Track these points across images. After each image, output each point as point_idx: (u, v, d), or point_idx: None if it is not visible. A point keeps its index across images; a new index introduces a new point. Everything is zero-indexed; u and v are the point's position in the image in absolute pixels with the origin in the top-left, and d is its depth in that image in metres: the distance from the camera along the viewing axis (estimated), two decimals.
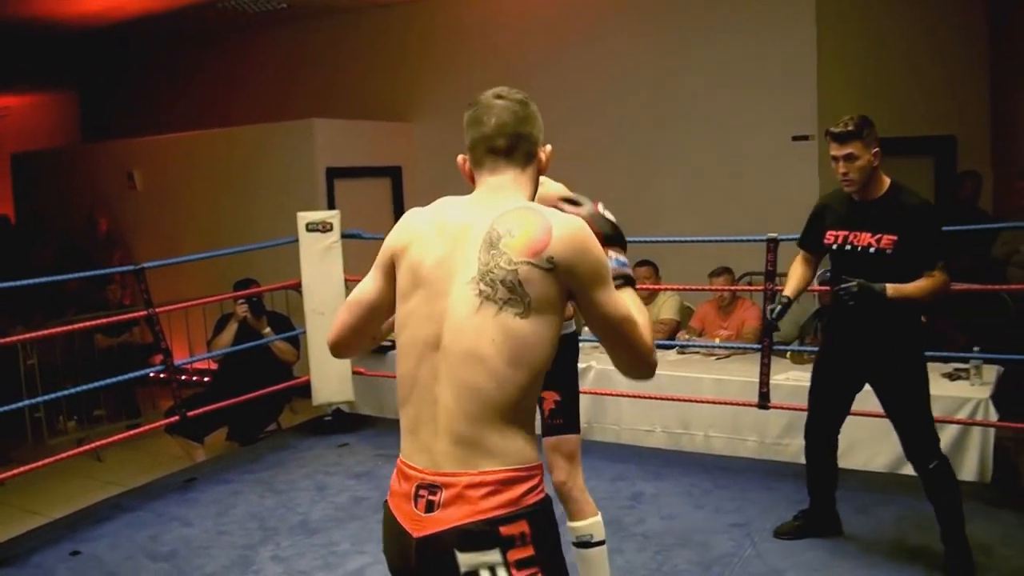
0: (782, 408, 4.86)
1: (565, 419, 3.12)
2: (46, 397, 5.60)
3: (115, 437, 5.44)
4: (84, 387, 5.62)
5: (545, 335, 1.79)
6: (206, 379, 7.16)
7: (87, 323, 6.12)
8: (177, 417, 5.31)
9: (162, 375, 5.40)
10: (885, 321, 3.45)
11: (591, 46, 7.73)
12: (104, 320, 6.16)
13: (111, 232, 9.40)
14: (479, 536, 1.71)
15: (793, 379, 5.04)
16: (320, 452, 5.61)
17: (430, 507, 1.75)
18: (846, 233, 3.54)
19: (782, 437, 5.02)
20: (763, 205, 6.80)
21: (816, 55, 6.74)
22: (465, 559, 1.71)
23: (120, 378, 5.72)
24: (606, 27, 7.66)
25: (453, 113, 9.17)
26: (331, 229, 5.82)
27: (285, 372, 6.27)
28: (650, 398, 5.23)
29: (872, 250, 3.44)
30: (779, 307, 3.75)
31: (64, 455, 5.08)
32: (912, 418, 3.53)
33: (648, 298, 6.15)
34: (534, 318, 1.76)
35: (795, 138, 6.83)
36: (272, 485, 5.02)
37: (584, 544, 3.05)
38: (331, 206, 7.38)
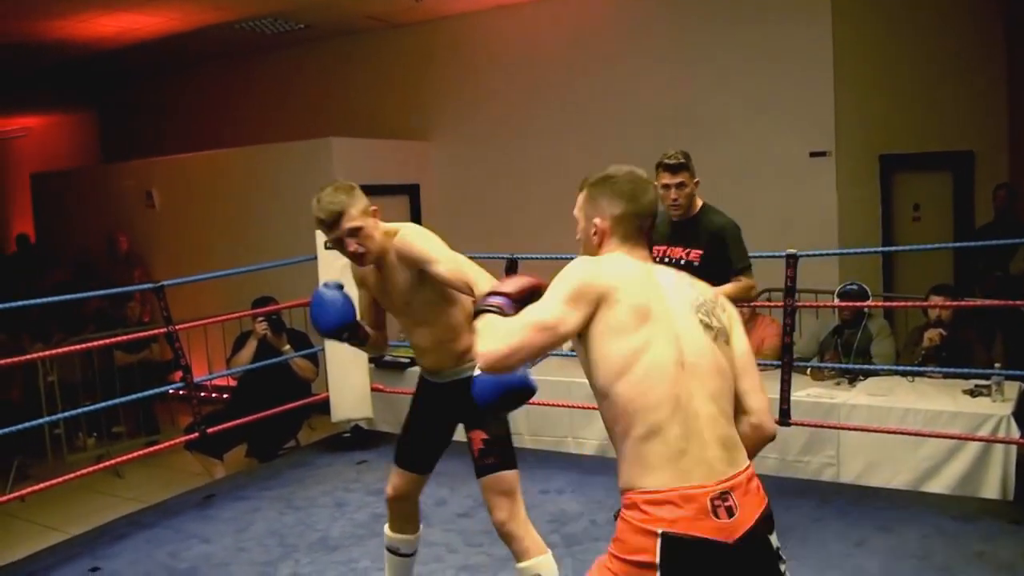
0: (803, 425, 4.83)
1: (497, 456, 3.06)
2: (66, 414, 5.62)
3: (135, 454, 5.44)
4: (103, 404, 5.65)
5: None
6: (225, 396, 7.17)
7: (106, 340, 6.17)
8: (197, 434, 5.32)
9: (181, 392, 5.41)
10: None
11: (605, 63, 7.75)
12: (123, 338, 6.19)
13: (131, 250, 9.47)
14: (772, 517, 1.97)
15: (813, 395, 5.03)
16: (339, 469, 5.61)
17: (731, 512, 1.87)
18: (665, 248, 4.06)
19: (803, 454, 4.99)
20: (781, 221, 6.79)
21: (833, 71, 6.74)
22: (774, 539, 1.96)
23: (139, 395, 5.76)
24: (620, 45, 7.69)
25: (469, 131, 9.32)
26: None
27: (304, 389, 6.27)
28: None
29: (682, 262, 3.97)
30: None
31: (83, 472, 5.09)
32: None
33: None
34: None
35: (812, 154, 6.82)
36: (291, 502, 5.02)
37: None
38: None
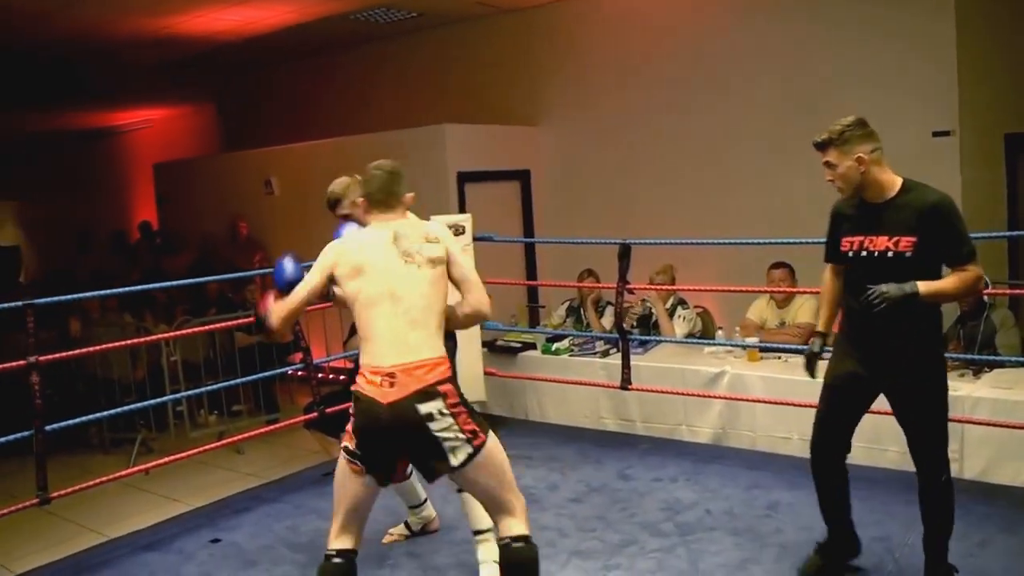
0: None
1: None
2: (188, 392, 5.80)
3: (255, 431, 5.58)
4: (224, 383, 5.81)
5: None
6: (342, 377, 7.30)
7: (227, 323, 6.34)
8: (316, 414, 5.41)
9: (300, 373, 5.52)
10: (907, 325, 3.26)
11: (718, 44, 7.57)
12: (244, 320, 6.34)
13: (251, 236, 9.73)
14: (430, 392, 2.87)
15: None
16: None
17: (391, 385, 2.86)
18: (861, 238, 3.39)
19: None
20: None
21: (956, 47, 6.43)
22: (424, 407, 2.86)
23: (260, 376, 5.91)
24: (734, 23, 7.49)
25: (580, 117, 9.22)
26: (463, 232, 5.84)
27: None
28: (787, 404, 5.08)
29: (890, 254, 3.28)
30: (817, 347, 3.70)
31: (206, 447, 5.25)
32: (933, 427, 3.36)
33: (784, 301, 5.98)
34: None
35: (935, 134, 6.52)
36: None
37: None
38: (462, 210, 7.44)
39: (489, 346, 6.35)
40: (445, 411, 2.87)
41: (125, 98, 12.98)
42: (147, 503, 5.71)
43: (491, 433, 3.03)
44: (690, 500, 4.52)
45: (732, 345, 5.78)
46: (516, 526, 3.02)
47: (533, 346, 6.51)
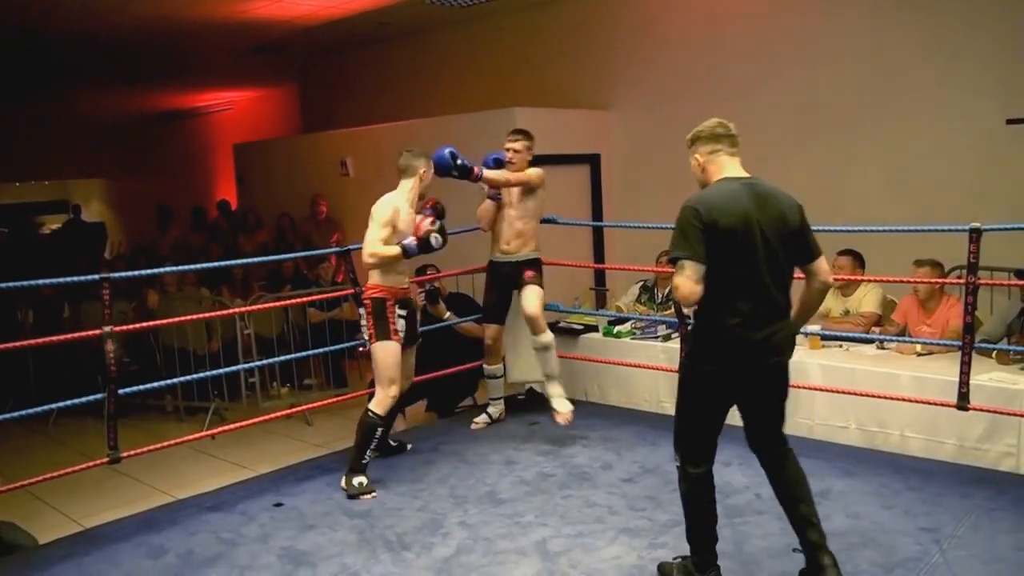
0: (983, 410, 4.60)
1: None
2: (260, 363, 6.00)
3: (323, 402, 5.75)
4: (294, 355, 5.99)
5: None
6: None
7: (299, 299, 6.53)
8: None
9: (361, 349, 5.67)
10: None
11: (788, 25, 7.47)
12: (315, 296, 6.53)
13: (330, 215, 9.95)
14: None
15: (996, 380, 4.77)
16: (512, 429, 5.74)
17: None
18: None
19: (982, 441, 4.74)
20: (974, 195, 6.43)
21: None
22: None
23: (328, 349, 6.08)
24: (807, 6, 7.41)
25: (649, 100, 9.22)
26: None
27: (479, 350, 6.44)
28: (846, 393, 5.07)
29: None
30: None
31: (274, 415, 5.43)
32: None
33: (848, 289, 5.94)
34: None
35: (1010, 121, 6.36)
36: (465, 457, 5.19)
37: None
38: None
39: (551, 327, 6.42)
40: None
41: (208, 81, 13.34)
42: (217, 469, 5.94)
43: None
44: (741, 484, 4.54)
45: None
46: None
47: (595, 328, 6.56)
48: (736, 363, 3.27)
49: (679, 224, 3.17)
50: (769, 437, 3.48)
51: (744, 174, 3.31)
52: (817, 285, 3.37)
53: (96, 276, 4.40)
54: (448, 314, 6.29)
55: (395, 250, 4.69)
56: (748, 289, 3.18)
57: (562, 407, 5.43)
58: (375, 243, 4.66)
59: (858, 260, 5.93)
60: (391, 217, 4.73)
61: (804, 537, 3.36)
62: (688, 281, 3.08)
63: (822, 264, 3.34)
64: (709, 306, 3.21)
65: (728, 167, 3.32)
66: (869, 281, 5.82)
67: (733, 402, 3.40)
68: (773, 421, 3.46)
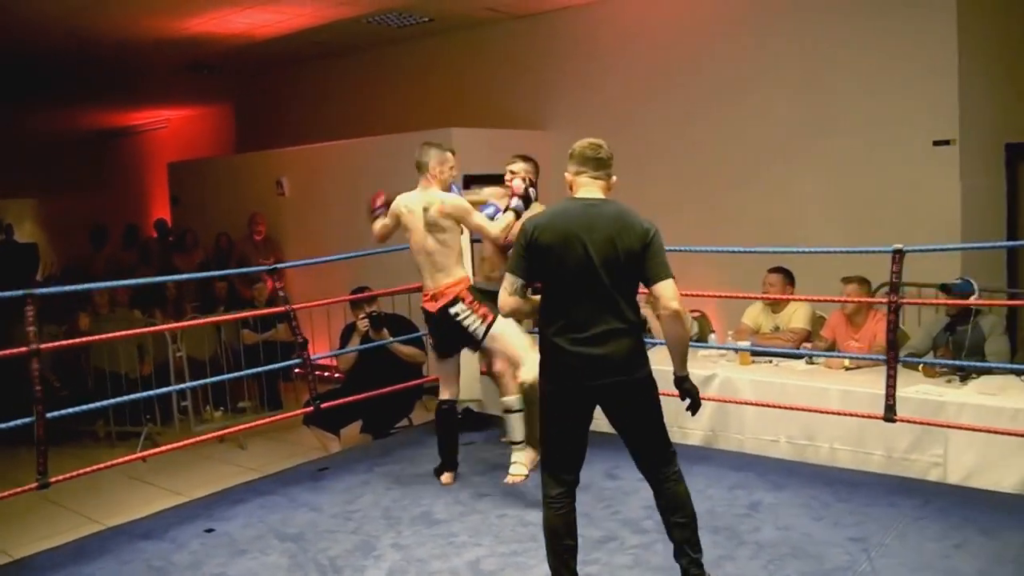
0: (910, 422, 4.70)
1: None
2: (192, 383, 5.91)
3: (256, 422, 5.69)
4: (226, 376, 5.91)
5: None
6: (337, 375, 7.43)
7: (229, 316, 6.46)
8: (311, 408, 5.52)
9: (297, 370, 5.64)
10: None
11: (726, 54, 7.65)
12: (246, 314, 6.47)
13: (270, 237, 9.84)
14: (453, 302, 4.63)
15: (922, 392, 4.89)
16: None
17: (434, 300, 4.75)
18: None
19: (910, 452, 4.86)
20: (903, 213, 6.60)
21: (958, 56, 6.47)
22: (452, 309, 4.67)
23: (260, 369, 6.01)
24: (742, 33, 7.56)
25: (589, 121, 9.30)
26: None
27: (416, 371, 6.43)
28: (776, 407, 5.14)
29: None
30: None
31: (206, 437, 5.36)
32: None
33: (778, 306, 6.05)
34: None
35: (936, 143, 6.56)
36: (399, 478, 5.16)
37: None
38: None
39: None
40: None
41: (143, 98, 13.18)
42: (149, 495, 5.83)
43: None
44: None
45: (723, 348, 5.85)
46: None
47: None
48: (566, 379, 3.32)
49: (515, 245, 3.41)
50: (644, 459, 3.48)
51: (596, 196, 3.40)
52: (660, 311, 3.29)
53: (20, 292, 4.29)
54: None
55: (510, 216, 4.80)
56: (571, 305, 3.28)
57: (514, 471, 4.99)
58: (488, 221, 4.84)
59: (788, 277, 6.03)
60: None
61: (677, 560, 3.42)
62: (503, 292, 3.41)
63: (664, 289, 3.24)
64: (541, 320, 3.39)
65: (583, 188, 3.45)
66: (799, 300, 5.92)
67: (580, 420, 3.41)
68: (644, 443, 3.47)
